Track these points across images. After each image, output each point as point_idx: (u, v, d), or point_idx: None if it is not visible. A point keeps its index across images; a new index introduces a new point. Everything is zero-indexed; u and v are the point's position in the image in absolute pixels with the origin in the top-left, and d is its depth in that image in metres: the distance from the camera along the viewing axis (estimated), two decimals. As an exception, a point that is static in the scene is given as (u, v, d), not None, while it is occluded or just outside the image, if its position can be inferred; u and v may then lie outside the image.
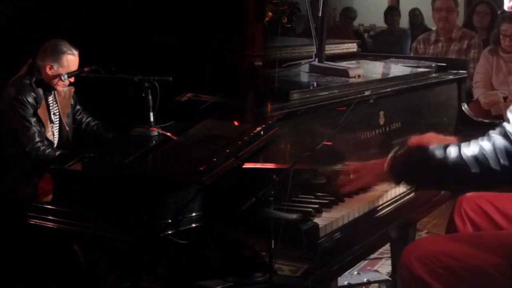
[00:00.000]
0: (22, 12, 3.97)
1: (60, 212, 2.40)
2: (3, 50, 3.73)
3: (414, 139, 2.64)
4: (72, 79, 3.48)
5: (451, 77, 3.49)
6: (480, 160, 1.98)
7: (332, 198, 2.33)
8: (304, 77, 3.04)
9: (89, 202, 2.35)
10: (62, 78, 3.43)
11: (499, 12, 5.47)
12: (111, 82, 3.19)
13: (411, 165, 2.15)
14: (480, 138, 2.04)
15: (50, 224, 2.43)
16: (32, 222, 2.47)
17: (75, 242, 2.60)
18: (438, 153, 2.05)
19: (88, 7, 3.88)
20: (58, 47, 3.45)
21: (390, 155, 2.20)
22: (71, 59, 3.44)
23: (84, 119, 3.72)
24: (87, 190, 2.39)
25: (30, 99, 3.38)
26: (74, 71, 3.43)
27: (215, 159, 2.21)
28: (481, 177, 2.00)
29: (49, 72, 3.42)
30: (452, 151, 2.04)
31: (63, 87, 3.52)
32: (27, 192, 3.31)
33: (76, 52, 3.46)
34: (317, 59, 3.07)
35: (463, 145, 2.04)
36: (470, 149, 2.01)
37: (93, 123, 3.72)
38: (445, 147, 2.07)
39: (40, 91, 3.45)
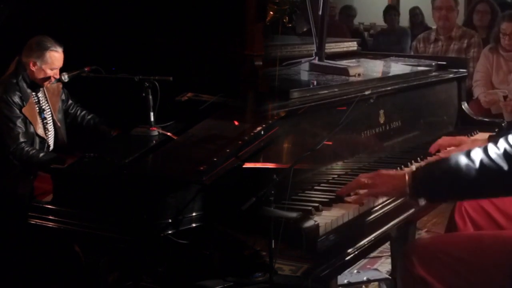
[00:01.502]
0: (22, 12, 3.97)
1: (60, 212, 2.40)
2: (3, 50, 3.73)
3: (445, 140, 2.66)
4: (57, 75, 3.46)
5: (451, 76, 3.49)
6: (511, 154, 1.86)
7: (332, 197, 2.33)
8: (304, 76, 3.03)
9: (89, 202, 2.35)
10: (63, 78, 3.44)
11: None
12: (111, 82, 3.19)
13: (436, 177, 2.00)
14: (504, 137, 1.92)
15: (50, 224, 2.43)
16: (32, 222, 2.47)
17: (75, 242, 2.60)
18: (462, 159, 1.93)
19: (88, 7, 3.87)
20: (42, 43, 3.44)
21: (411, 170, 2.09)
22: (54, 56, 3.44)
23: (78, 113, 3.71)
24: (87, 190, 2.39)
25: (16, 99, 3.39)
26: (74, 71, 3.43)
27: (215, 159, 2.21)
28: None
29: (33, 68, 3.43)
30: (477, 154, 1.92)
31: (50, 83, 3.52)
32: (24, 192, 3.31)
33: (60, 49, 3.46)
34: (317, 58, 3.07)
35: (487, 146, 1.93)
36: (497, 147, 1.90)
37: (88, 117, 3.71)
38: (468, 152, 1.95)
39: (28, 89, 3.45)
